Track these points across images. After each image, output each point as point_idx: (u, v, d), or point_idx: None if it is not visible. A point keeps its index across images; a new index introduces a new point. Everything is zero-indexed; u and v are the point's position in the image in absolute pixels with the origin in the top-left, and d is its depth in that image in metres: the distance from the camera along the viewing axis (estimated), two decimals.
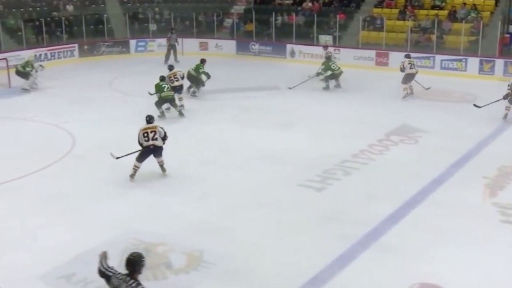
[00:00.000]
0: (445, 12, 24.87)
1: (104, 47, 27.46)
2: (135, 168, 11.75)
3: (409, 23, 24.17)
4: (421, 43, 23.98)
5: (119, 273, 5.96)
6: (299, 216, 10.10)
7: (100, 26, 28.21)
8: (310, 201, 10.76)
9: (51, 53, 25.52)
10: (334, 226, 9.69)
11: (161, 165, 11.99)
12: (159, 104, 16.59)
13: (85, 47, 27.00)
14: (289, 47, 25.99)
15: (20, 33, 25.49)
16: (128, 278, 5.85)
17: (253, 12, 27.92)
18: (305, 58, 25.31)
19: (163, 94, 16.47)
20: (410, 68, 18.71)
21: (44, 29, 26.04)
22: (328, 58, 20.71)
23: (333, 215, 10.09)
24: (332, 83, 19.93)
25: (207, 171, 12.23)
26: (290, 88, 19.74)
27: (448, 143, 13.90)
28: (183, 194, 10.99)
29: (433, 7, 25.50)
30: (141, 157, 11.74)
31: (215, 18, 28.50)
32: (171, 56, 25.58)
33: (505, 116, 15.78)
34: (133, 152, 11.89)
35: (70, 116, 16.61)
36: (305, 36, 26.18)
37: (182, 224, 9.65)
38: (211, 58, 26.39)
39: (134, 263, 5.93)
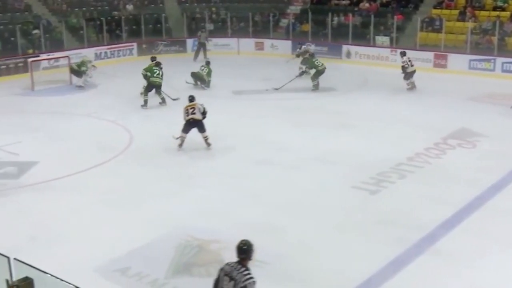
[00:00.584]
0: (507, 14, 24.23)
1: (162, 46, 27.94)
2: (182, 138, 13.54)
3: (469, 25, 23.63)
4: (481, 45, 23.42)
5: (229, 263, 6.01)
6: (352, 218, 10.03)
7: (159, 25, 28.73)
8: (363, 204, 10.67)
9: (111, 51, 26.14)
10: (387, 229, 9.57)
11: (206, 140, 13.61)
12: (146, 90, 17.46)
13: (144, 46, 27.54)
14: (345, 47, 25.83)
15: (81, 32, 26.22)
16: (239, 266, 5.92)
17: (309, 13, 27.86)
18: (361, 59, 25.11)
19: (151, 79, 17.36)
20: (411, 65, 19.49)
21: (104, 28, 26.70)
22: (312, 55, 20.87)
23: (387, 218, 9.97)
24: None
25: (261, 170, 12.29)
26: (276, 89, 19.72)
27: (507, 148, 13.54)
28: (238, 192, 11.07)
29: (495, 8, 24.87)
30: (185, 129, 13.59)
31: (271, 18, 28.58)
32: (201, 54, 26.21)
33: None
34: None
35: (128, 113, 16.99)
36: (362, 37, 25.97)
37: (236, 222, 9.72)
38: (267, 58, 26.67)
39: (247, 250, 5.98)
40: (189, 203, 10.60)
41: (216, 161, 12.87)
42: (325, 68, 19.98)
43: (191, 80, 20.27)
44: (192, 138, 14.31)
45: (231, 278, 5.84)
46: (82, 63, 20.95)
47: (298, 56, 23.18)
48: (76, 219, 10.00)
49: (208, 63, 21.35)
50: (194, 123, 13.49)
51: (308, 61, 20.45)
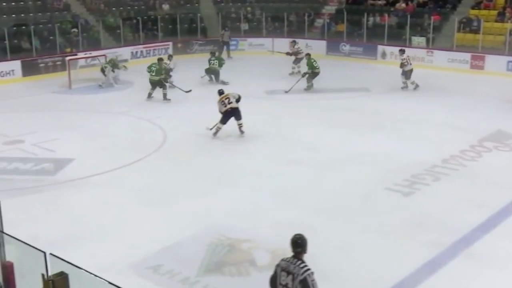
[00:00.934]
0: None
1: (197, 45, 28.14)
2: (218, 128, 14.43)
3: (508, 25, 23.19)
4: None
5: (284, 259, 6.05)
6: (385, 220, 9.94)
7: (194, 25, 28.94)
8: (396, 206, 10.56)
9: (146, 50, 26.43)
10: (421, 232, 9.46)
11: (240, 127, 14.52)
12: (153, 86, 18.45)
13: (179, 45, 27.78)
14: (380, 48, 25.63)
15: (118, 31, 26.58)
16: (295, 260, 5.96)
17: (345, 13, 27.72)
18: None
19: (149, 77, 18.18)
20: (410, 64, 19.69)
21: (141, 27, 27.01)
22: (308, 55, 20.69)
23: (420, 221, 9.86)
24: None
25: (294, 170, 12.28)
26: (286, 92, 19.56)
27: None
28: (270, 192, 11.07)
29: None
30: (224, 120, 14.41)
31: (306, 18, 28.53)
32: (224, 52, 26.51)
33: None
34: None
35: (163, 111, 17.16)
36: (397, 38, 25.73)
37: (268, 222, 9.73)
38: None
39: (302, 244, 6.04)
40: (221, 202, 10.64)
41: (249, 161, 12.90)
42: (320, 71, 20.00)
43: (206, 76, 21.21)
44: (225, 138, 14.42)
45: (289, 273, 5.89)
46: (109, 62, 21.15)
47: (290, 54, 22.96)
48: (110, 216, 10.14)
49: (213, 53, 22.12)
50: (232, 112, 14.34)
51: (307, 62, 20.27)
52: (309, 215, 10.10)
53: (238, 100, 14.44)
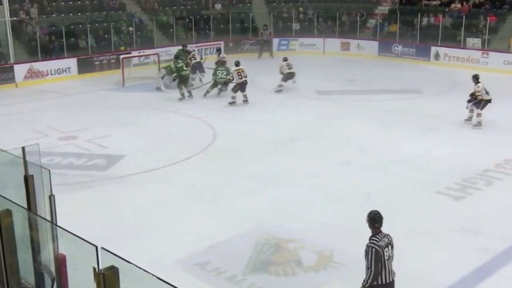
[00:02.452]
0: None
1: (248, 44, 28.25)
2: (245, 99, 18.07)
3: None
4: None
5: (376, 239, 6.47)
6: (434, 224, 9.77)
7: (246, 24, 29.06)
8: (447, 210, 10.37)
9: (198, 49, 26.66)
10: (471, 237, 9.27)
11: (246, 98, 17.96)
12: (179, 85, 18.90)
13: (230, 44, 27.94)
14: (433, 49, 25.18)
15: (171, 30, 26.94)
16: (381, 234, 6.56)
17: (398, 13, 27.34)
18: (450, 61, 24.38)
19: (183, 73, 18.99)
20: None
21: (193, 26, 27.29)
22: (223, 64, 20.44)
23: (471, 226, 9.65)
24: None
25: (343, 171, 12.22)
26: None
27: None
28: (318, 193, 11.02)
29: None
30: (237, 89, 17.76)
31: (358, 18, 28.27)
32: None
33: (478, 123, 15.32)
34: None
35: (213, 110, 17.32)
36: (452, 39, 25.25)
37: (315, 222, 9.70)
38: (352, 58, 26.40)
39: (381, 218, 6.64)
40: (269, 202, 10.67)
41: (298, 161, 12.88)
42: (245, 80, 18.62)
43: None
44: (274, 138, 14.45)
45: (388, 244, 6.55)
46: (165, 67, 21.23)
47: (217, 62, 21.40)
48: (159, 212, 10.30)
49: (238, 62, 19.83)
50: (245, 83, 17.85)
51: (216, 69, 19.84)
52: (357, 217, 9.96)
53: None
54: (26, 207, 5.66)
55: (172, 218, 10.02)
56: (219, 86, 19.32)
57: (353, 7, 29.74)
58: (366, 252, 6.36)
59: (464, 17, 25.13)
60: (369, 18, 29.26)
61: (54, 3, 26.23)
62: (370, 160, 12.88)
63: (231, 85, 18.35)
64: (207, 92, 19.14)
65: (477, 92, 15.34)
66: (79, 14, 26.45)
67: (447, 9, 27.05)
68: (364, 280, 6.42)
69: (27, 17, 24.27)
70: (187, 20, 27.82)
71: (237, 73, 17.80)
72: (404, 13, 27.47)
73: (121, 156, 13.28)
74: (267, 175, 12.03)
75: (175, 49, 24.39)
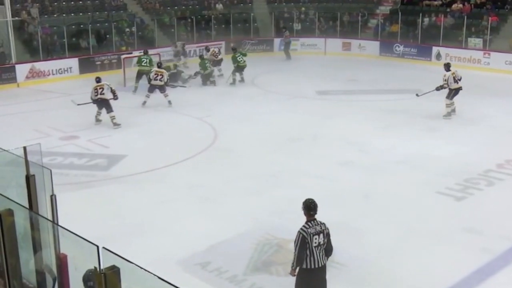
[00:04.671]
0: None
1: (249, 44, 28.25)
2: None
3: None
4: None
5: (307, 226, 6.77)
6: (435, 224, 9.78)
7: (247, 24, 29.07)
8: (448, 210, 10.37)
9: (199, 49, 26.66)
10: (473, 238, 9.27)
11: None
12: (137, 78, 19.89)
13: (231, 44, 27.89)
14: (435, 49, 25.17)
15: (173, 30, 26.95)
16: (314, 222, 6.82)
17: (399, 13, 27.34)
18: (452, 61, 24.13)
19: (139, 68, 20.22)
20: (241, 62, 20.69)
21: (194, 26, 27.31)
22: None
23: (473, 226, 9.65)
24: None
25: (344, 171, 12.22)
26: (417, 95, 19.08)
27: None
28: (319, 193, 10.88)
29: None
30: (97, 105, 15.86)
31: (359, 18, 28.27)
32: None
33: (448, 114, 15.83)
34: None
35: (214, 110, 17.34)
36: (453, 39, 25.23)
37: None
38: (354, 58, 26.41)
39: (316, 206, 6.91)
40: (270, 202, 10.68)
41: (299, 161, 12.88)
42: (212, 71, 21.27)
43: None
44: (274, 139, 14.46)
45: (319, 233, 6.75)
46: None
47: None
48: (160, 212, 10.31)
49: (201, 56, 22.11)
50: (102, 101, 15.55)
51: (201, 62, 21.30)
52: (358, 217, 10.03)
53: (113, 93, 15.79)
54: (27, 206, 5.67)
55: (173, 218, 10.04)
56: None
57: (354, 7, 29.76)
58: (296, 236, 6.71)
59: (465, 17, 25.12)
60: (370, 18, 29.26)
61: (55, 3, 26.26)
62: (371, 160, 12.88)
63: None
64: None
65: (444, 80, 15.65)
66: (81, 14, 26.48)
67: (448, 9, 27.05)
68: (292, 263, 6.83)
69: (29, 17, 24.29)
70: (188, 20, 27.83)
71: (94, 89, 15.71)
72: (405, 13, 27.48)
73: (122, 156, 13.30)
74: (268, 175, 12.04)
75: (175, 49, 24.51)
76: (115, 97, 15.59)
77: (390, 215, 10.15)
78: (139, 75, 20.25)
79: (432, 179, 11.74)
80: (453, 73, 15.83)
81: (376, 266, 8.43)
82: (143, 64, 20.37)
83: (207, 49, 23.06)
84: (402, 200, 10.77)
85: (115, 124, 15.42)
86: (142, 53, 21.46)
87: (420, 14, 26.36)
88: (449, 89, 15.82)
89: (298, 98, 19.12)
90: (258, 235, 9.25)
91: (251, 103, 18.28)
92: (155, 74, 17.50)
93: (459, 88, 15.85)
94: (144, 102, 17.76)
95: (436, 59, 24.97)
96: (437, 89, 15.95)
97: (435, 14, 26.70)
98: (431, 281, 8.01)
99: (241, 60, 21.08)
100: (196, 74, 21.03)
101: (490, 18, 24.61)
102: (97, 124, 15.73)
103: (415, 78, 21.88)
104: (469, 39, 24.79)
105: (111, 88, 15.59)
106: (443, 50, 24.85)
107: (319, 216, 9.16)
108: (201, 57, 21.74)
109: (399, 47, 26.43)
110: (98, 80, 15.84)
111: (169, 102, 17.63)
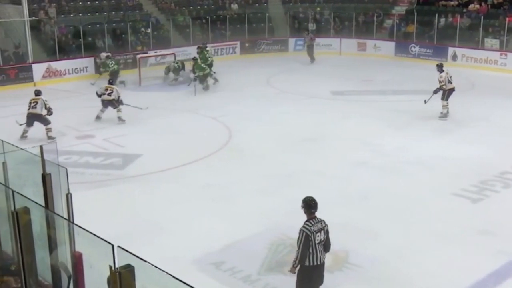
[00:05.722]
0: None
1: (264, 45, 28.26)
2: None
3: None
4: None
5: (309, 224, 6.78)
6: (451, 226, 9.71)
7: (262, 24, 29.06)
8: (464, 212, 10.30)
9: (214, 49, 26.72)
10: (489, 240, 9.20)
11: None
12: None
13: (246, 44, 27.98)
14: (451, 50, 25.01)
15: (188, 30, 27.02)
16: (315, 219, 6.85)
17: (415, 13, 27.20)
18: (468, 62, 24.20)
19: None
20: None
21: (209, 26, 27.36)
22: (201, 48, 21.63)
23: (489, 229, 9.57)
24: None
25: (358, 172, 12.18)
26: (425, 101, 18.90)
27: None
28: (334, 194, 10.96)
29: None
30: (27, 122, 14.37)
31: (375, 18, 28.17)
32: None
33: (444, 115, 15.79)
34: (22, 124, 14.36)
35: (228, 110, 17.35)
36: (470, 39, 25.05)
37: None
38: (369, 59, 26.31)
39: (316, 203, 6.93)
40: (284, 202, 10.63)
41: (313, 161, 12.85)
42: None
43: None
44: (289, 138, 14.44)
45: (320, 230, 6.80)
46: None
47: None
48: (175, 211, 10.34)
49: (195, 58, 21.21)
50: (34, 116, 14.31)
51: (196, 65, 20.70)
52: (372, 218, 9.99)
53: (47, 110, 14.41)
54: (43, 205, 5.71)
55: (188, 218, 10.06)
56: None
57: (370, 7, 29.65)
58: (298, 234, 6.74)
59: (482, 17, 24.92)
60: (386, 18, 29.14)
61: (72, 3, 26.44)
62: (386, 161, 12.83)
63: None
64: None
65: (441, 82, 15.71)
66: (97, 14, 26.62)
67: (465, 10, 26.86)
68: (293, 261, 6.85)
69: (46, 16, 24.48)
70: (203, 20, 27.89)
71: (29, 102, 14.55)
72: (421, 14, 27.33)
73: (137, 155, 13.36)
74: (282, 175, 12.02)
75: (191, 49, 24.55)
76: (49, 113, 14.39)
77: (404, 216, 10.09)
78: (115, 76, 20.59)
79: (448, 180, 11.67)
80: (447, 73, 15.91)
81: (390, 268, 8.39)
82: (110, 66, 21.05)
83: (201, 48, 22.13)
84: (417, 201, 10.70)
85: (49, 137, 14.16)
86: (107, 57, 21.96)
87: (436, 15, 26.18)
88: (443, 90, 15.79)
89: (312, 98, 19.09)
90: (272, 235, 9.24)
91: (265, 103, 18.27)
92: (105, 89, 16.21)
93: (453, 89, 15.95)
94: (98, 117, 16.26)
95: (452, 59, 24.81)
96: (435, 92, 15.91)
97: (452, 15, 26.51)
98: (446, 283, 7.96)
99: (210, 57, 21.26)
100: (195, 78, 20.11)
101: (507, 18, 24.39)
102: (22, 140, 13.93)
103: (430, 79, 21.60)
104: (485, 39, 24.62)
105: (45, 104, 14.37)
106: (459, 51, 24.69)
107: (336, 216, 9.15)
108: (194, 59, 21.06)
109: (414, 47, 26.29)
110: (37, 93, 14.83)
111: (119, 118, 16.09)
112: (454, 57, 24.81)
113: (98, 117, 16.25)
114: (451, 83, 15.93)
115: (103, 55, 22.38)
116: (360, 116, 16.64)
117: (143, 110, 16.63)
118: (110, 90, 16.16)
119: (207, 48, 22.07)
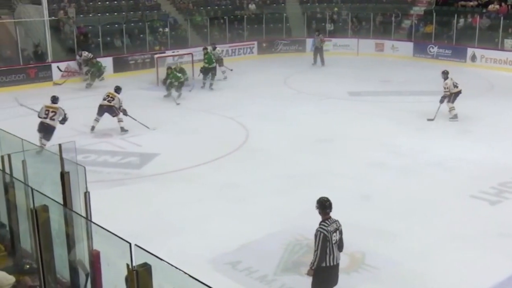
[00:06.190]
0: None
1: (282, 45, 28.24)
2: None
3: None
4: None
5: (325, 224, 6.79)
6: (469, 229, 9.62)
7: (279, 24, 29.05)
8: (482, 215, 10.20)
9: (232, 49, 26.81)
10: (508, 243, 9.10)
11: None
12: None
13: (264, 44, 27.98)
14: (470, 51, 24.78)
15: (205, 30, 27.08)
16: (330, 219, 6.87)
17: (434, 14, 27.01)
18: (487, 63, 23.98)
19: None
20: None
21: (227, 26, 27.40)
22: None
23: (508, 231, 9.47)
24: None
25: (375, 173, 12.12)
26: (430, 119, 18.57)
27: None
28: (350, 194, 10.93)
29: None
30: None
31: (393, 19, 28.02)
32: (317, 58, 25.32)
33: (454, 116, 15.84)
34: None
35: (245, 110, 17.37)
36: (489, 40, 24.81)
37: (347, 224, 9.55)
38: (387, 59, 26.18)
39: (330, 204, 6.95)
40: (301, 202, 10.59)
41: (330, 162, 12.82)
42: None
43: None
44: (306, 139, 14.42)
45: (336, 230, 6.84)
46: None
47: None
48: (191, 210, 10.37)
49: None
50: (48, 127, 13.24)
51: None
52: (389, 219, 9.93)
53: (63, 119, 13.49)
54: (62, 203, 5.75)
55: (204, 217, 10.08)
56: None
57: (388, 8, 29.49)
58: (315, 236, 6.73)
59: (502, 18, 24.68)
60: (404, 18, 28.96)
61: (91, 3, 26.63)
62: (403, 162, 12.76)
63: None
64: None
65: (445, 89, 15.89)
66: (115, 14, 26.80)
67: (484, 10, 26.61)
68: (311, 263, 6.82)
69: (65, 16, 24.69)
70: (221, 20, 27.94)
71: (46, 110, 13.45)
72: (440, 14, 27.13)
73: (154, 154, 13.42)
74: (299, 175, 12.01)
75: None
76: (62, 122, 13.50)
77: (423, 218, 10.03)
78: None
79: (466, 182, 11.57)
80: (451, 79, 15.96)
81: (407, 269, 8.34)
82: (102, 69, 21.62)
83: (213, 48, 22.03)
84: (435, 203, 10.63)
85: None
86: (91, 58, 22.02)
87: (455, 15, 25.97)
88: (450, 93, 15.89)
89: (329, 98, 19.04)
90: (288, 235, 9.24)
91: (282, 103, 18.26)
92: (107, 95, 15.28)
93: (459, 92, 15.96)
94: (92, 127, 15.21)
95: (471, 60, 24.61)
96: (441, 101, 15.94)
97: (471, 15, 26.28)
98: (464, 286, 7.90)
99: (218, 55, 21.42)
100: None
101: None
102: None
103: None
104: (505, 40, 24.36)
105: (65, 114, 13.47)
106: (478, 52, 24.47)
107: (352, 217, 9.13)
108: (205, 49, 21.36)
109: (433, 48, 26.11)
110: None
111: (122, 128, 15.11)
112: (473, 58, 24.60)
113: (93, 128, 15.19)
114: (457, 87, 15.95)
115: (85, 54, 22.18)
116: (377, 117, 16.57)
117: (150, 129, 15.35)
118: (112, 97, 15.22)
119: (217, 49, 22.03)
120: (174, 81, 18.90)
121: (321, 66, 24.96)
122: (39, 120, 13.41)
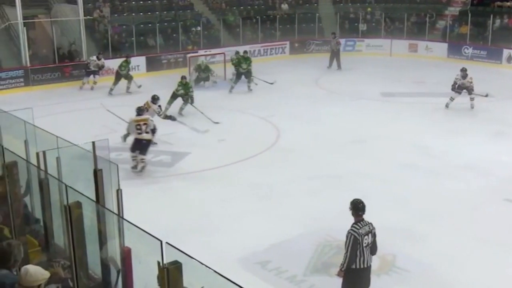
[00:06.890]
0: None
1: (314, 45, 28.15)
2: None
3: None
4: None
5: (357, 227, 6.80)
6: (502, 233, 9.46)
7: (312, 24, 28.96)
8: None
9: (264, 49, 26.82)
10: None
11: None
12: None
13: (296, 44, 27.92)
14: (506, 52, 24.35)
15: (238, 30, 27.15)
16: (363, 222, 6.87)
17: (469, 14, 26.61)
18: None
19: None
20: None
21: (259, 26, 27.42)
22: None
23: None
24: None
25: (406, 174, 12.01)
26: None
27: None
28: (381, 196, 10.84)
29: None
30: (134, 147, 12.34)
31: (427, 19, 27.68)
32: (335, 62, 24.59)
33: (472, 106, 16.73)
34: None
35: (277, 110, 17.36)
36: None
37: (378, 226, 9.49)
38: (420, 60, 25.87)
39: (364, 206, 6.94)
40: (331, 203, 10.56)
41: (362, 163, 12.74)
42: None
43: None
44: (337, 140, 14.36)
45: (368, 233, 6.82)
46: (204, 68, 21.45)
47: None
48: (222, 209, 10.42)
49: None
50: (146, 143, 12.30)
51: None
52: (420, 221, 9.83)
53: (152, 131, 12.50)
54: (94, 200, 5.84)
55: (234, 216, 10.12)
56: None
57: (422, 8, 29.16)
58: (346, 237, 6.74)
59: None
60: (438, 19, 28.58)
61: (125, 3, 26.94)
62: (436, 164, 12.61)
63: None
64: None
65: (471, 83, 16.89)
66: (149, 13, 27.05)
67: None
68: (341, 264, 6.84)
69: (100, 15, 25.03)
70: (253, 20, 27.98)
71: (137, 125, 12.33)
72: (475, 14, 26.71)
73: (186, 153, 13.51)
74: (330, 176, 11.97)
75: (240, 49, 24.57)
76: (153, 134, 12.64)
77: (454, 221, 9.90)
78: (118, 77, 20.53)
79: (499, 185, 11.39)
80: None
81: (437, 272, 8.25)
82: (122, 69, 20.55)
83: (237, 53, 21.61)
84: (467, 205, 10.49)
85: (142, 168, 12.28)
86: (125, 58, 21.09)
87: (491, 15, 25.54)
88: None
89: (362, 99, 18.91)
90: (318, 236, 9.22)
91: (314, 103, 18.21)
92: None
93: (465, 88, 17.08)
94: (124, 137, 13.99)
95: (507, 62, 24.18)
96: (474, 93, 16.91)
97: (507, 16, 25.81)
98: None
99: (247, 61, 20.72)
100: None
101: None
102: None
103: (484, 82, 21.19)
104: None
105: (154, 125, 12.59)
106: None
107: (384, 219, 9.07)
108: (237, 53, 21.24)
109: (468, 49, 25.73)
110: (140, 112, 12.62)
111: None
112: (510, 59, 24.17)
113: (124, 137, 13.92)
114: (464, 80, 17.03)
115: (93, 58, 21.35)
116: (410, 118, 16.41)
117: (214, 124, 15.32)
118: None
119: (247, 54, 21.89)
120: (181, 90, 17.23)
121: (337, 69, 24.25)
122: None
